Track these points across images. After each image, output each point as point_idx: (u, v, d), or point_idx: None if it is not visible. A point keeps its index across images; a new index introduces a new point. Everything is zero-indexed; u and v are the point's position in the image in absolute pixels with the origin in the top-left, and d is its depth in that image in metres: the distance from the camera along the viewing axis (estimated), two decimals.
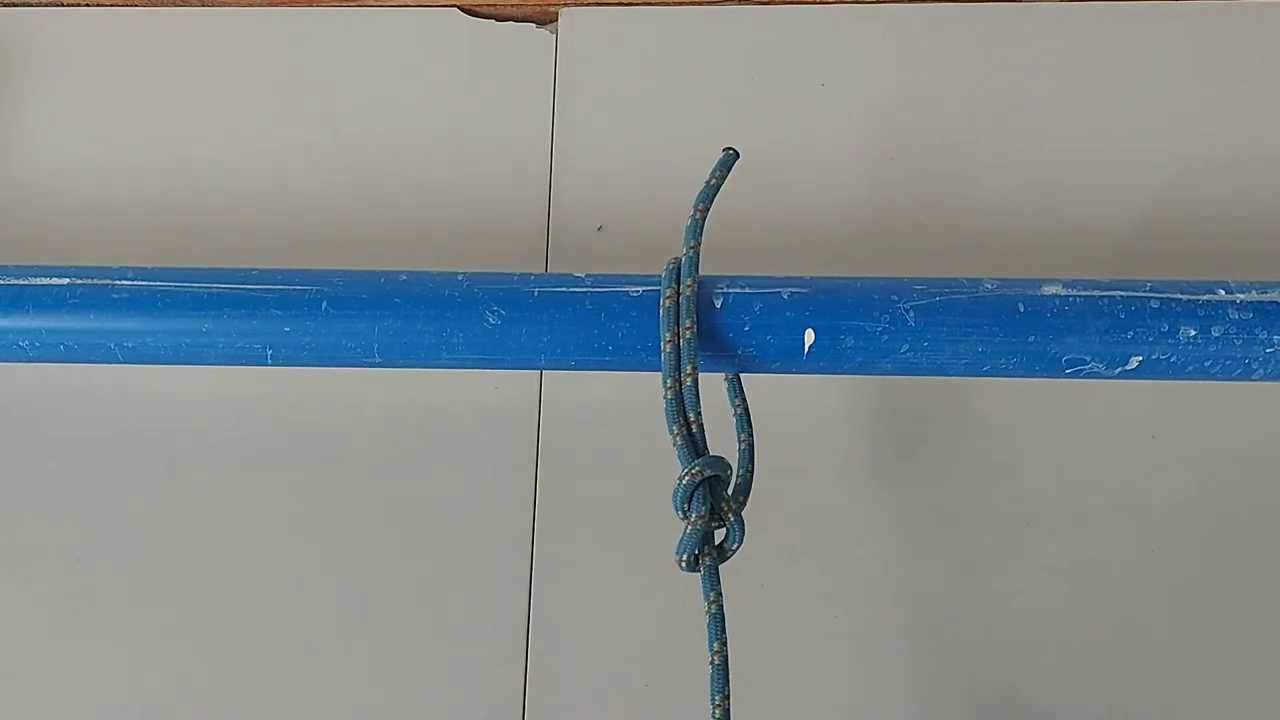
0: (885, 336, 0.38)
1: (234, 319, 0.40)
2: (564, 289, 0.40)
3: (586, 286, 0.40)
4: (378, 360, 0.41)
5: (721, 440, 0.39)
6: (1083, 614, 0.44)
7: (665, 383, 0.37)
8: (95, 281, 0.41)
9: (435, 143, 0.52)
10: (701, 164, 0.50)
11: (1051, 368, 0.39)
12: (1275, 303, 0.39)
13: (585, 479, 0.46)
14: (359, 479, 0.46)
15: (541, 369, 0.47)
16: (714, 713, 0.36)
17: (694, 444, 0.37)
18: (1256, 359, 0.39)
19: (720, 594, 0.37)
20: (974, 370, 0.39)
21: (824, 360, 0.39)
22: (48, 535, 0.46)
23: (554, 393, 0.47)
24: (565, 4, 0.54)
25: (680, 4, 0.53)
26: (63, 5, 0.55)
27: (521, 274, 0.41)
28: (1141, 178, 0.50)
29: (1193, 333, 0.38)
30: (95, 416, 0.47)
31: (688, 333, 0.37)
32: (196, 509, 0.46)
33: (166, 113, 0.53)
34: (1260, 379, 0.39)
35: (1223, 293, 0.39)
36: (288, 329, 0.40)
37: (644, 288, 0.40)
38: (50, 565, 0.45)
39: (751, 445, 0.39)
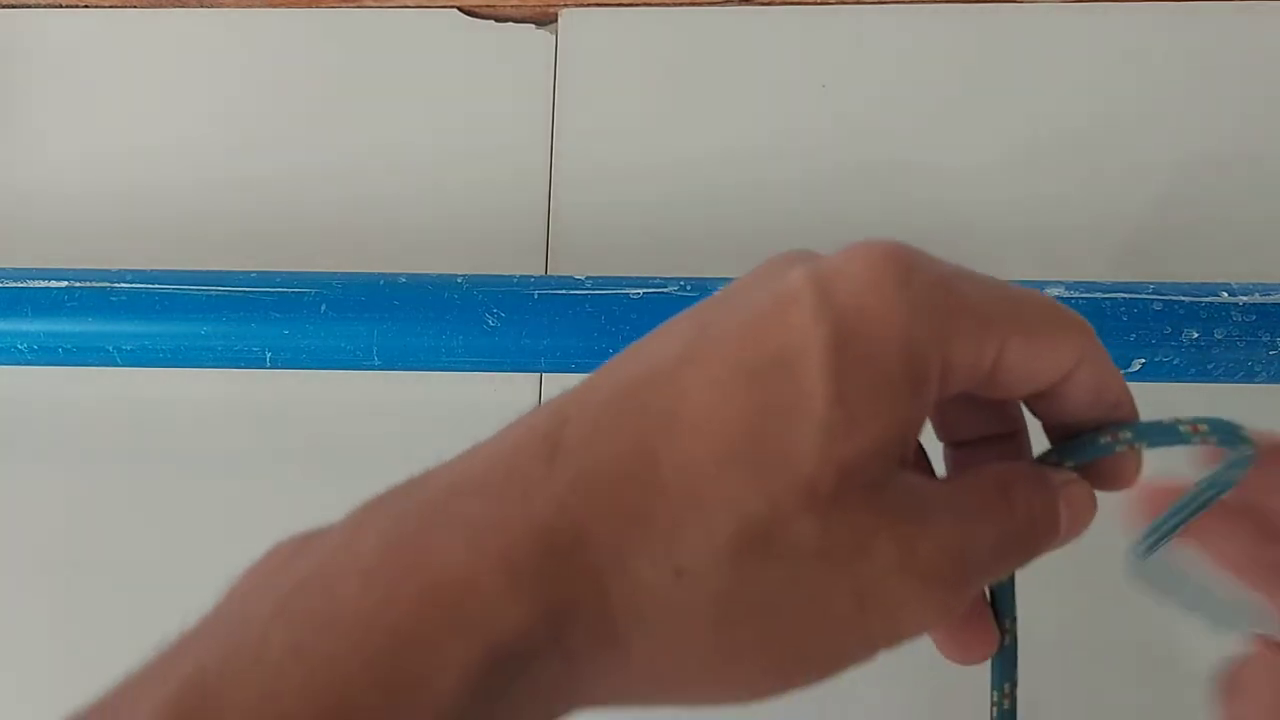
0: None
1: (232, 322, 0.40)
2: (564, 291, 0.40)
3: (586, 289, 0.40)
4: (377, 363, 0.41)
5: None
6: (1083, 615, 0.43)
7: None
8: (93, 284, 0.41)
9: (434, 143, 0.52)
10: (701, 164, 0.50)
11: None
12: (1278, 305, 0.38)
13: None
14: (359, 481, 0.46)
15: (541, 372, 0.47)
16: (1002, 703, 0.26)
17: None
18: (1259, 361, 0.39)
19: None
20: None
21: None
22: (46, 538, 0.46)
23: (554, 396, 0.47)
24: (565, 4, 0.54)
25: (680, 4, 0.53)
26: (62, 6, 0.55)
27: (521, 276, 0.41)
28: (1144, 178, 0.50)
29: (1195, 335, 0.38)
30: (94, 419, 0.47)
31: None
32: (195, 512, 0.46)
33: (165, 114, 0.53)
34: (1263, 381, 0.39)
35: (1226, 295, 0.39)
36: (286, 331, 0.40)
37: (644, 290, 0.40)
38: (49, 567, 0.45)
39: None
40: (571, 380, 0.48)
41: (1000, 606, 0.26)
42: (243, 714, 0.17)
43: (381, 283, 0.41)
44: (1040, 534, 0.22)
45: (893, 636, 0.20)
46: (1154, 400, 0.46)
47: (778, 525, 0.18)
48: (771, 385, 0.18)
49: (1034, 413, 0.24)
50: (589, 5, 0.53)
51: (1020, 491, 0.22)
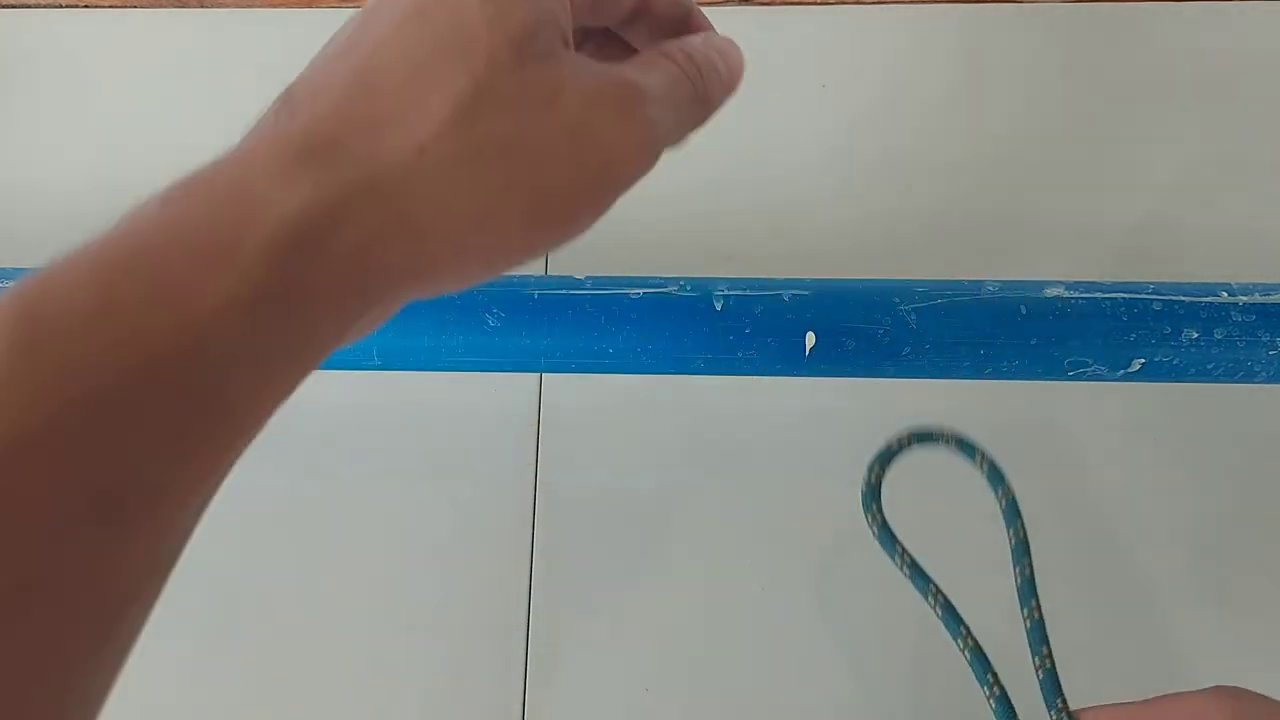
0: (887, 339, 0.38)
1: None
2: (564, 291, 0.40)
3: (586, 289, 0.40)
4: (376, 363, 0.41)
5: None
6: (1084, 617, 0.43)
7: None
8: None
9: None
10: (700, 164, 0.50)
11: (1054, 370, 0.39)
12: (1278, 305, 0.38)
13: (585, 482, 0.46)
14: (358, 481, 0.46)
15: (541, 372, 0.47)
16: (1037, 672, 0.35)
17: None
18: (1259, 361, 0.39)
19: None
20: (976, 373, 0.39)
21: (825, 363, 0.39)
22: None
23: (553, 395, 0.47)
24: None
25: None
26: (62, 6, 0.55)
27: (521, 276, 0.41)
28: (1144, 177, 0.50)
29: (1195, 335, 0.38)
30: None
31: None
32: None
33: (165, 114, 0.53)
34: (1263, 381, 0.39)
35: (1225, 295, 0.39)
36: None
37: (644, 290, 0.40)
38: None
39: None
40: (572, 380, 0.49)
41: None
42: (74, 287, 0.20)
43: None
44: (701, 65, 0.29)
45: (621, 157, 0.26)
46: (1155, 399, 0.46)
47: (482, 89, 0.23)
48: (438, 15, 0.24)
49: (635, 42, 0.31)
50: None
51: (672, 47, 0.29)
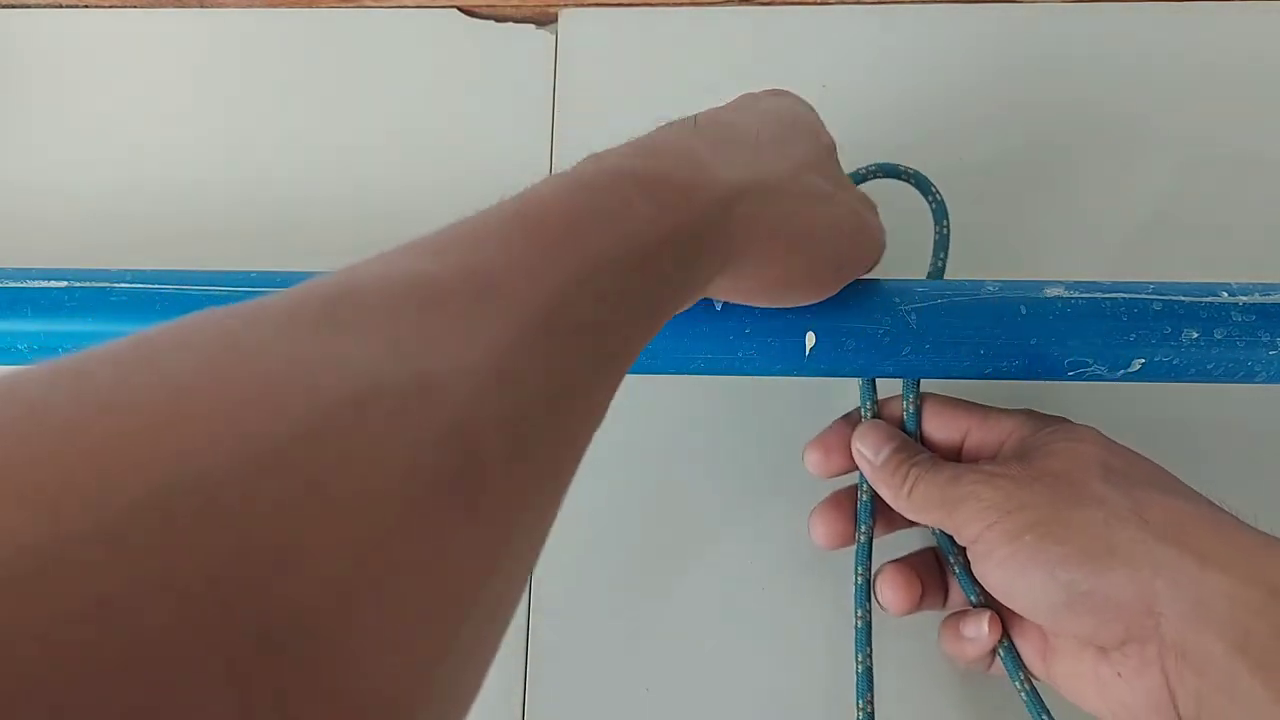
0: (887, 339, 0.38)
1: None
2: None
3: None
4: None
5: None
6: None
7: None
8: (93, 284, 0.41)
9: (434, 144, 0.52)
10: None
11: (1054, 370, 0.39)
12: (1278, 305, 0.38)
13: (585, 483, 0.46)
14: None
15: None
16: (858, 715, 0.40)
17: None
18: (1259, 361, 0.38)
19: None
20: (976, 373, 0.39)
21: (825, 363, 0.39)
22: None
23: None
24: (565, 4, 0.54)
25: (680, 4, 0.53)
26: (62, 6, 0.55)
27: None
28: (1144, 178, 0.50)
29: (1195, 335, 0.38)
30: None
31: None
32: None
33: (165, 114, 0.53)
34: (1263, 381, 0.39)
35: (1225, 295, 0.39)
36: None
37: None
38: None
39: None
40: None
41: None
42: (607, 191, 0.28)
43: None
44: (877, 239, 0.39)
45: (876, 245, 0.38)
46: (1155, 399, 0.46)
47: (811, 161, 0.35)
48: (784, 122, 0.37)
49: None
50: (589, 5, 0.54)
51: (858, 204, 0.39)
